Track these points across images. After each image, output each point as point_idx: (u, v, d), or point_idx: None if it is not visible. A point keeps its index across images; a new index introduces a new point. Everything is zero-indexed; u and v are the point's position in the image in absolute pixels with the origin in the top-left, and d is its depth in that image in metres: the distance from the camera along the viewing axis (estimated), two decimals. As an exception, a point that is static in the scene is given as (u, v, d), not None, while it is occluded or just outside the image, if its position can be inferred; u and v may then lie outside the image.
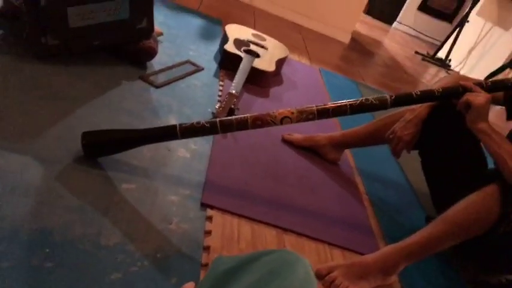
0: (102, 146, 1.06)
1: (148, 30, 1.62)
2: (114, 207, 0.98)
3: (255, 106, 1.78)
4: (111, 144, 1.06)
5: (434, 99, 1.24)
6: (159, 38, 1.91)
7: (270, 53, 2.13)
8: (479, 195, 1.09)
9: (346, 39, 3.65)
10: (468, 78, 1.56)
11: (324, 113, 1.14)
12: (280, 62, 2.15)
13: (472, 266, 1.34)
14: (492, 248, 1.17)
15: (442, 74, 4.19)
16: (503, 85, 1.21)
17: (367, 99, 1.16)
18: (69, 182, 0.99)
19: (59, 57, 1.43)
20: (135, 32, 1.57)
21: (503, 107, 1.42)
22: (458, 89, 1.17)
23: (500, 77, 3.66)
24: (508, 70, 3.67)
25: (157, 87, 1.56)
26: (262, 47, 2.16)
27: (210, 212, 1.09)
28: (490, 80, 1.23)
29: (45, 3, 1.28)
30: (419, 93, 1.18)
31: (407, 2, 5.50)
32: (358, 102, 1.15)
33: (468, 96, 1.13)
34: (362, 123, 1.55)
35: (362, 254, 1.16)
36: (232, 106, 1.55)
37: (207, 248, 0.98)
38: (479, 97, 1.12)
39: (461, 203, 1.11)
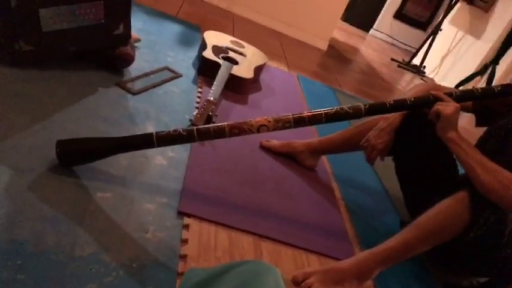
0: (77, 154, 1.05)
1: (125, 37, 1.61)
2: (89, 216, 0.97)
3: (233, 113, 1.78)
4: (86, 152, 1.05)
5: (407, 108, 1.27)
6: (137, 44, 1.91)
7: (248, 60, 2.15)
8: (450, 201, 1.13)
9: (324, 46, 3.70)
10: (440, 86, 1.61)
11: (300, 122, 1.16)
12: (258, 69, 2.17)
13: (444, 270, 1.38)
14: (463, 252, 1.21)
15: (417, 80, 4.30)
16: (472, 95, 1.26)
17: (342, 108, 1.18)
18: (43, 191, 0.98)
19: (34, 63, 1.40)
20: (112, 38, 1.56)
21: (473, 114, 1.48)
22: (429, 98, 1.21)
23: (471, 84, 3.79)
24: (478, 78, 3.80)
25: (134, 94, 1.55)
26: (241, 54, 2.17)
27: (187, 220, 1.09)
28: (459, 89, 1.28)
29: (16, 4, 1.26)
30: (392, 102, 1.21)
31: (383, 9, 5.62)
32: (333, 111, 1.18)
33: (438, 106, 1.17)
34: (339, 129, 1.57)
35: (338, 259, 1.18)
36: (210, 113, 1.56)
37: (183, 257, 0.98)
38: (449, 107, 1.16)
39: (433, 209, 1.14)
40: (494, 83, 3.62)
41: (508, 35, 3.68)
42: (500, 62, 3.70)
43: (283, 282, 0.53)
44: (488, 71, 3.67)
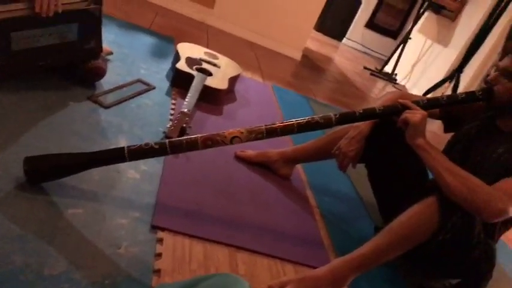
0: (46, 171, 1.03)
1: (97, 50, 1.60)
2: (59, 233, 0.95)
3: (208, 124, 1.79)
4: (55, 169, 1.03)
5: (376, 117, 1.30)
6: (109, 57, 1.89)
7: (222, 71, 2.16)
8: (420, 206, 1.16)
9: (297, 56, 3.76)
10: (409, 94, 1.66)
11: (272, 132, 1.18)
12: (233, 80, 2.18)
13: (417, 273, 1.41)
14: (434, 255, 1.24)
15: (390, 87, 4.40)
16: (438, 103, 1.30)
17: (313, 118, 1.20)
18: (11, 209, 0.95)
19: (2, 78, 1.38)
20: (83, 52, 1.55)
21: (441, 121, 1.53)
22: (398, 106, 1.25)
23: (440, 91, 3.90)
24: (447, 83, 3.92)
25: (106, 107, 1.53)
26: (215, 65, 2.19)
27: (160, 234, 1.08)
28: (426, 97, 1.32)
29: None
30: (361, 111, 1.24)
31: (355, 19, 5.76)
32: (304, 121, 1.20)
33: (406, 114, 1.21)
34: (314, 138, 1.60)
35: (314, 267, 1.19)
36: (184, 125, 1.56)
37: (157, 271, 0.97)
38: (416, 115, 1.19)
39: (403, 215, 1.17)
40: (459, 90, 3.75)
41: (470, 44, 3.82)
42: (466, 69, 3.84)
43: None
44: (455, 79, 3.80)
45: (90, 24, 1.51)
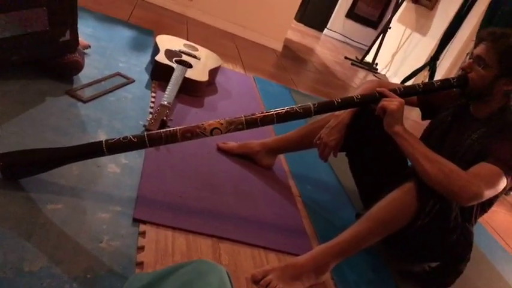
0: (22, 167, 1.01)
1: (73, 43, 1.57)
2: (38, 230, 0.94)
3: (189, 116, 1.78)
4: (31, 164, 1.02)
5: (354, 106, 1.32)
6: (86, 51, 1.86)
7: (202, 63, 2.15)
8: (398, 192, 1.18)
9: (279, 47, 3.76)
10: (387, 82, 1.68)
11: (252, 123, 1.18)
12: (213, 72, 2.17)
13: (398, 258, 1.45)
14: (413, 240, 1.27)
15: (371, 77, 4.44)
16: (415, 90, 1.32)
17: (292, 108, 1.21)
18: (-13, 207, 0.94)
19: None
20: (58, 45, 1.52)
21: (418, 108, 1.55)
22: (375, 95, 1.26)
23: (420, 78, 3.96)
24: (425, 71, 3.98)
25: (85, 101, 1.51)
26: (195, 57, 2.17)
27: (143, 227, 1.08)
28: (403, 86, 1.33)
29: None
30: (340, 100, 1.25)
31: (335, 9, 5.77)
32: (284, 111, 1.20)
33: (383, 102, 1.22)
34: (296, 128, 1.60)
35: (297, 255, 1.20)
36: (165, 118, 1.55)
37: (140, 264, 0.97)
38: (393, 103, 1.21)
39: (382, 200, 1.19)
40: (436, 78, 3.81)
41: (445, 32, 3.88)
42: (445, 57, 3.90)
43: (230, 280, 0.54)
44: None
45: (60, 10, 1.45)
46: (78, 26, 1.57)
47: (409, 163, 1.32)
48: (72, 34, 1.55)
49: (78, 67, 1.60)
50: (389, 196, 1.18)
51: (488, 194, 1.14)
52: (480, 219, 1.49)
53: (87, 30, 2.11)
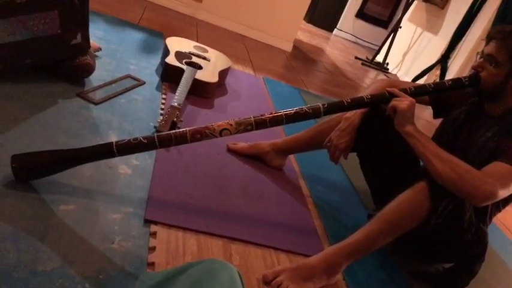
0: (34, 168, 1.02)
1: (84, 46, 1.59)
2: (51, 230, 0.95)
3: (199, 118, 1.79)
4: (43, 166, 1.03)
5: (364, 106, 1.31)
6: (97, 54, 1.88)
7: (212, 64, 2.15)
8: (410, 192, 1.17)
9: (288, 47, 3.75)
10: (398, 81, 1.66)
11: (261, 124, 1.18)
12: (223, 73, 2.18)
13: (410, 258, 1.43)
14: (426, 240, 1.26)
15: (381, 77, 4.41)
16: (425, 90, 1.31)
17: (301, 109, 1.21)
18: (0, 208, 0.95)
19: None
20: (70, 48, 1.54)
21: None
22: (385, 95, 1.25)
23: (432, 76, 3.92)
24: (437, 69, 3.94)
25: (96, 103, 1.53)
26: (204, 58, 2.18)
27: (154, 227, 1.09)
28: (414, 85, 1.32)
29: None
30: (349, 100, 1.24)
31: (345, 9, 5.75)
32: (293, 111, 1.20)
33: (394, 102, 1.21)
34: (305, 128, 1.60)
35: (308, 256, 1.20)
36: (175, 119, 1.56)
37: (151, 265, 0.97)
38: (404, 102, 1.20)
39: (394, 201, 1.18)
40: (448, 77, 3.77)
41: (456, 31, 3.83)
42: (456, 56, 3.85)
43: (241, 279, 0.54)
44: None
45: (71, 13, 1.47)
46: (89, 28, 1.58)
47: (421, 163, 1.31)
48: (84, 37, 1.56)
49: (89, 70, 1.61)
50: (401, 196, 1.17)
51: (503, 193, 1.12)
52: (493, 219, 1.46)
53: (98, 33, 2.13)
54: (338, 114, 1.45)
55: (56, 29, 1.45)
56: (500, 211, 1.37)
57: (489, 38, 1.25)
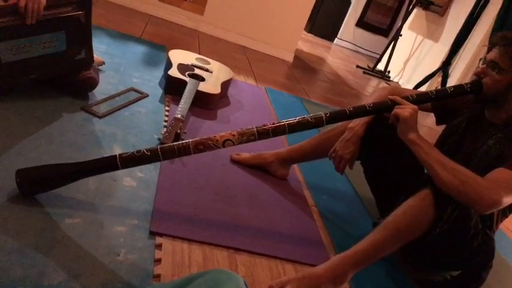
0: (38, 182, 1.03)
1: (88, 61, 1.60)
2: (57, 244, 0.95)
3: (202, 129, 1.79)
4: (47, 180, 1.03)
5: (366, 114, 1.31)
6: (101, 67, 1.90)
7: (214, 76, 2.17)
8: (415, 199, 1.17)
9: (290, 58, 3.78)
10: (401, 89, 1.67)
11: (264, 134, 1.18)
12: (225, 84, 2.19)
13: (417, 267, 1.42)
14: (432, 248, 1.25)
15: (383, 85, 4.42)
16: (427, 97, 1.31)
17: (303, 118, 1.21)
18: (5, 223, 0.95)
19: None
20: (74, 63, 1.55)
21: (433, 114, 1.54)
22: (388, 103, 1.25)
23: (434, 83, 3.93)
24: (438, 76, 3.95)
25: (100, 117, 1.54)
26: (207, 70, 2.20)
27: (159, 239, 1.09)
28: (416, 92, 1.32)
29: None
30: (351, 109, 1.25)
31: (345, 18, 5.79)
32: (295, 121, 1.20)
33: (396, 110, 1.22)
34: (308, 137, 1.60)
35: (314, 266, 1.19)
36: (179, 131, 1.56)
37: (157, 277, 0.97)
38: (407, 110, 1.20)
39: (399, 209, 1.17)
40: (450, 83, 3.77)
41: (456, 37, 3.85)
42: (458, 63, 3.86)
43: (247, 289, 0.54)
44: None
45: (77, 31, 1.50)
46: (93, 43, 1.60)
47: (425, 170, 1.31)
48: (88, 52, 1.58)
49: (93, 83, 1.63)
50: (406, 203, 1.17)
51: (508, 200, 1.11)
52: (500, 226, 1.45)
53: (101, 47, 2.16)
54: (341, 123, 1.45)
55: (62, 46, 1.47)
56: (507, 217, 1.36)
57: (492, 44, 1.25)
